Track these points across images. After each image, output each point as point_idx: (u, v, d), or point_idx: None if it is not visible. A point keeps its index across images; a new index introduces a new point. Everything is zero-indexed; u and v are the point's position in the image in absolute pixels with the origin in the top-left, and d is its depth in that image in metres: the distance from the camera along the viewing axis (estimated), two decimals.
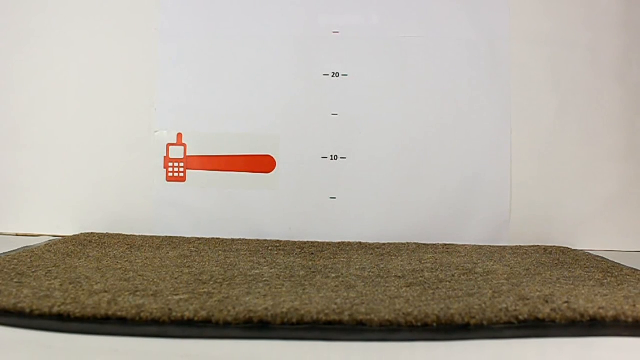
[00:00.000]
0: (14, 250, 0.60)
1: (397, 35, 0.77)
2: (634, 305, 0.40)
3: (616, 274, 0.54)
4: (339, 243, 0.71)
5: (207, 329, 0.37)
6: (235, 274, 0.51)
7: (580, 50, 0.77)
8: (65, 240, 0.67)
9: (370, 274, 0.52)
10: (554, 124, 0.76)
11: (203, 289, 0.44)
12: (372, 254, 0.64)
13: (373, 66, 0.77)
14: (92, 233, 0.73)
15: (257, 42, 0.77)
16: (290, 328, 0.37)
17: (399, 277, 0.51)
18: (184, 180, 0.77)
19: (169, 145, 0.77)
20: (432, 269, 0.55)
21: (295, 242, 0.71)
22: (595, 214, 0.76)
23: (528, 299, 0.42)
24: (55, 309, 0.38)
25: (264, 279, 0.49)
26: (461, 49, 0.76)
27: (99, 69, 0.78)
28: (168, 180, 0.77)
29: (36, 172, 0.78)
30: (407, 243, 0.72)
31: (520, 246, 0.71)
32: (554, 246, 0.71)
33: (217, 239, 0.72)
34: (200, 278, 0.49)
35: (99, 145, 0.77)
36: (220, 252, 0.63)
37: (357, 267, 0.56)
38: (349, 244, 0.71)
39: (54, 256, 0.57)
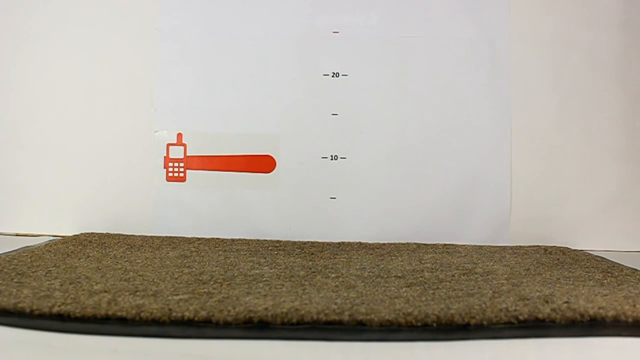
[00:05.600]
0: (14, 250, 0.60)
1: (397, 35, 0.77)
2: (634, 305, 0.40)
3: (616, 274, 0.54)
4: (339, 243, 0.71)
5: (207, 329, 0.37)
6: (235, 274, 0.51)
7: (580, 50, 0.77)
8: (65, 240, 0.67)
9: (370, 274, 0.52)
10: (553, 124, 0.76)
11: (203, 289, 0.44)
12: (372, 254, 0.64)
13: (373, 66, 0.77)
14: (92, 233, 0.73)
15: (257, 42, 0.77)
16: (290, 328, 0.37)
17: (399, 277, 0.51)
18: (184, 180, 0.77)
19: (169, 145, 0.77)
20: (432, 269, 0.55)
21: (295, 242, 0.71)
22: (595, 214, 0.76)
23: (528, 299, 0.42)
24: (55, 309, 0.38)
25: (264, 279, 0.49)
26: (461, 49, 0.76)
27: (99, 68, 0.78)
28: (168, 180, 0.77)
29: (36, 172, 0.78)
30: (407, 243, 0.72)
31: (520, 246, 0.71)
32: (554, 246, 0.71)
33: (217, 239, 0.72)
34: (200, 278, 0.49)
35: (99, 145, 0.77)
36: (220, 252, 0.63)
37: (357, 267, 0.56)
38: (349, 244, 0.71)
39: (54, 256, 0.57)
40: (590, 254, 0.66)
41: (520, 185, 0.76)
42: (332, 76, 0.76)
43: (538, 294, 0.43)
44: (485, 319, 0.38)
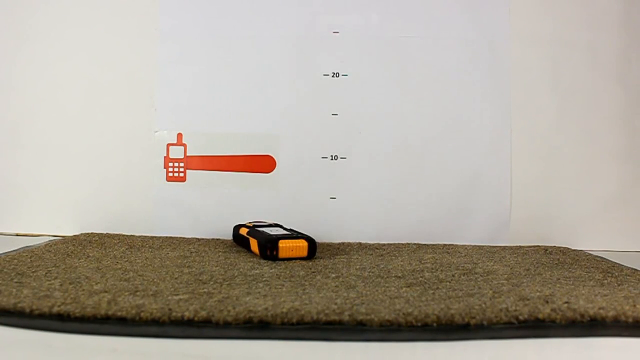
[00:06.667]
0: (14, 250, 0.60)
1: (397, 35, 0.77)
2: (634, 306, 0.40)
3: (616, 274, 0.54)
4: (339, 243, 0.71)
5: (207, 329, 0.37)
6: (235, 274, 0.51)
7: (580, 50, 0.77)
8: (65, 240, 0.67)
9: (370, 274, 0.52)
10: (553, 124, 0.76)
11: (203, 289, 0.44)
12: (372, 254, 0.64)
13: (373, 66, 0.77)
14: (92, 233, 0.73)
15: (257, 42, 0.77)
16: (290, 328, 0.37)
17: (399, 277, 0.51)
18: (184, 180, 0.77)
19: (169, 145, 0.77)
20: (432, 269, 0.55)
21: None
22: (595, 214, 0.76)
23: (528, 299, 0.42)
24: (55, 309, 0.37)
25: (264, 279, 0.49)
26: (461, 49, 0.76)
27: (99, 68, 0.78)
28: (168, 180, 0.77)
29: (36, 172, 0.78)
30: (407, 243, 0.72)
31: (520, 246, 0.71)
32: (554, 246, 0.71)
33: (217, 239, 0.72)
34: (200, 278, 0.49)
35: (99, 145, 0.77)
36: (220, 252, 0.63)
37: (357, 267, 0.56)
38: (349, 244, 0.71)
39: (54, 256, 0.57)
40: (590, 254, 0.66)
41: (520, 185, 0.76)
42: (332, 76, 0.76)
43: (538, 294, 0.43)
44: (485, 319, 0.38)
